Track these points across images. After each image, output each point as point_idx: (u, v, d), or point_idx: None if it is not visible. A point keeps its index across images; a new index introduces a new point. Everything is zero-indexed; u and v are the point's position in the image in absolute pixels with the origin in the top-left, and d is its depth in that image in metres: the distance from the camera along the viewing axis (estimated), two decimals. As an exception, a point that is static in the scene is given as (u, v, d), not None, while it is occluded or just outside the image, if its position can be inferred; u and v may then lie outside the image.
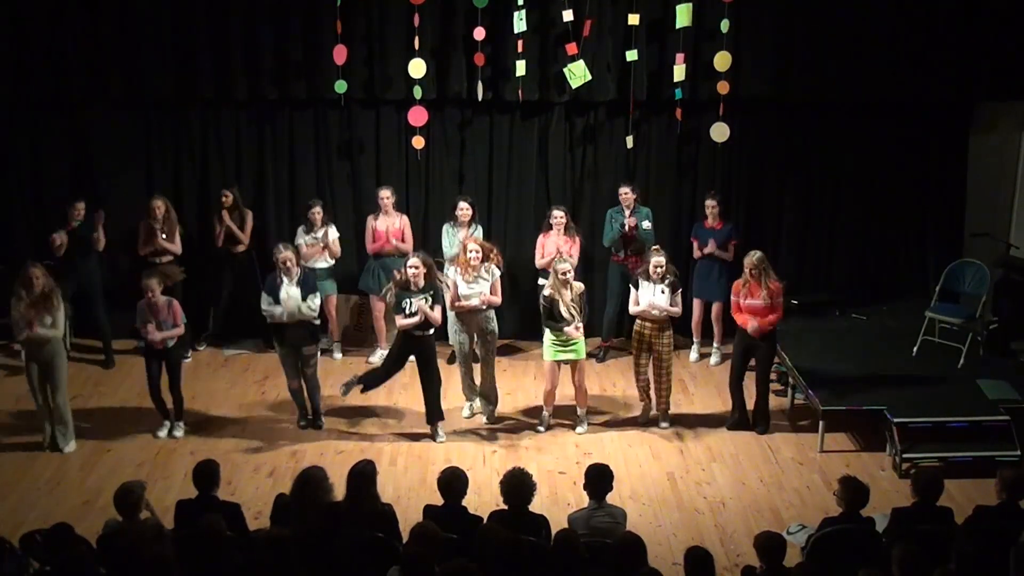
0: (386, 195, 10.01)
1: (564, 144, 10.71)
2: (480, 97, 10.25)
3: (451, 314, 9.12)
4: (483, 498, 7.55)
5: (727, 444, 8.81)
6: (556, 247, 9.71)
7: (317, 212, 10.00)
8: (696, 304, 10.35)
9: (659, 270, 8.65)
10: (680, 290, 8.85)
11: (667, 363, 8.87)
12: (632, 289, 8.89)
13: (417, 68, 10.03)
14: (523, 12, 9.95)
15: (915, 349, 9.63)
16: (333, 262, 10.15)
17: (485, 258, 8.84)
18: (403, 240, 10.03)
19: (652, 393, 9.07)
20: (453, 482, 6.19)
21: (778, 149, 10.87)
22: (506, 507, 6.14)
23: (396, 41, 10.13)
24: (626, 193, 10.04)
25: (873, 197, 10.96)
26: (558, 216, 9.90)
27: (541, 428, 9.02)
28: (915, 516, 6.19)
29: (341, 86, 10.14)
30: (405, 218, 10.17)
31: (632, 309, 8.90)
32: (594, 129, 10.70)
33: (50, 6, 9.92)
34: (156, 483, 7.84)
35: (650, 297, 8.70)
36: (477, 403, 9.20)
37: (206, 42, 10.10)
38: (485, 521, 6.02)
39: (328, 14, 9.94)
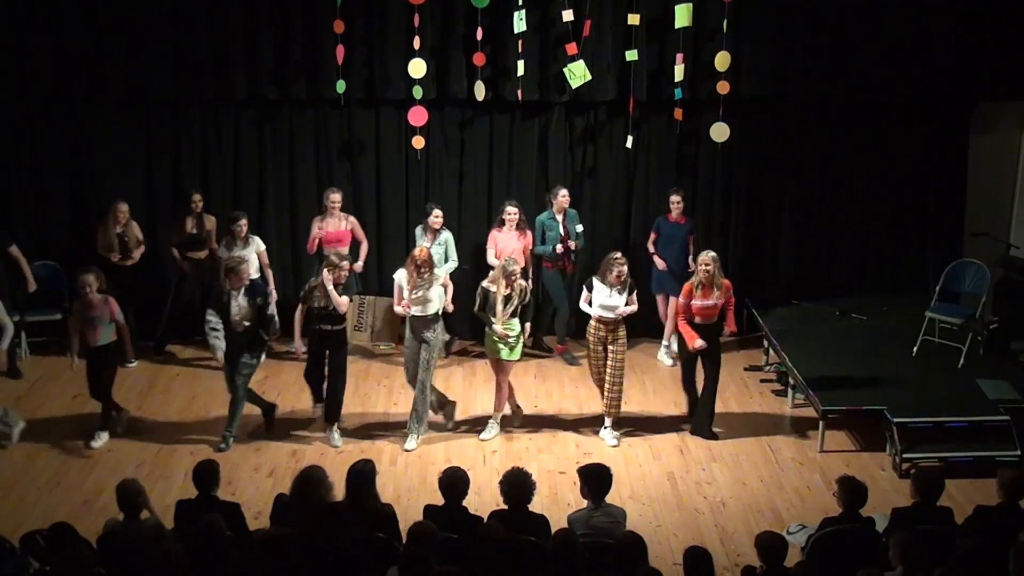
0: (336, 199, 9.98)
1: (564, 144, 10.71)
2: (480, 97, 10.25)
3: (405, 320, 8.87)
4: (483, 498, 7.55)
5: (727, 444, 8.80)
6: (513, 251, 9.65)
7: (243, 225, 9.80)
8: (659, 299, 10.31)
9: (620, 278, 8.55)
10: (636, 291, 8.73)
11: (620, 363, 8.68)
12: (584, 289, 8.76)
13: (417, 68, 10.02)
14: (523, 12, 9.95)
15: (915, 349, 9.63)
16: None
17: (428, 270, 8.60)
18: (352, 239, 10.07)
19: (602, 387, 8.85)
20: (454, 482, 6.19)
21: (778, 149, 10.87)
22: (506, 507, 6.14)
23: (396, 41, 10.13)
24: (565, 196, 10.04)
25: (873, 197, 10.97)
26: (511, 212, 9.89)
27: (484, 436, 8.85)
28: (915, 516, 6.18)
29: (341, 86, 10.14)
30: (353, 218, 10.13)
31: (584, 308, 8.76)
32: (594, 129, 10.70)
33: (50, 6, 9.92)
34: (156, 483, 7.83)
35: (604, 299, 8.60)
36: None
37: (206, 42, 10.10)
38: (485, 521, 6.02)
39: (328, 14, 9.94)
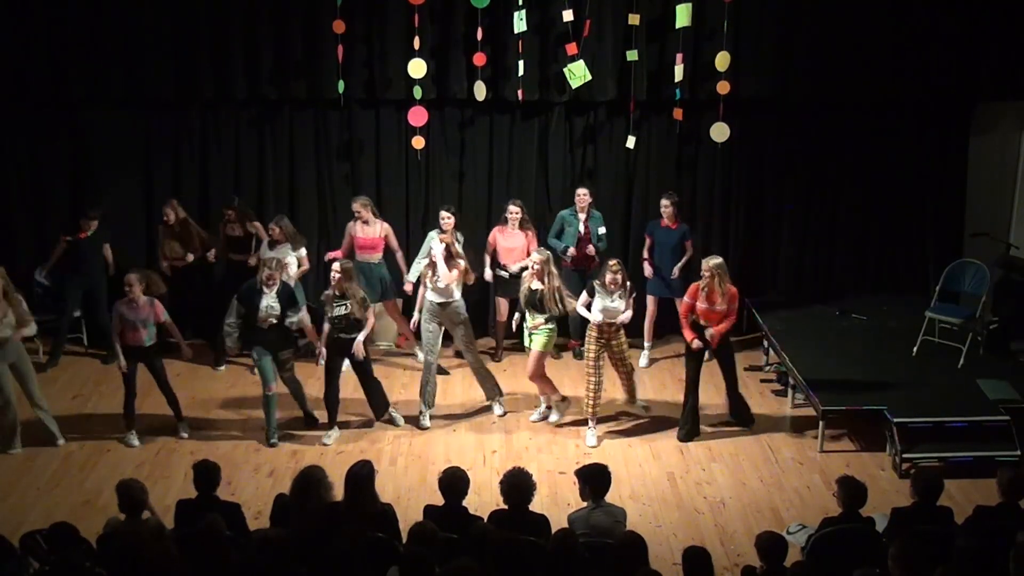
0: (356, 207, 9.92)
1: (564, 144, 10.71)
2: (480, 97, 10.25)
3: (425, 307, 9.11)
4: (483, 498, 7.55)
5: (727, 444, 8.81)
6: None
7: (274, 230, 9.81)
8: (650, 301, 10.29)
9: (614, 286, 8.58)
10: (634, 295, 8.78)
11: (626, 354, 8.83)
12: (586, 294, 8.78)
13: (417, 68, 10.03)
14: (523, 12, 9.96)
15: (915, 349, 9.63)
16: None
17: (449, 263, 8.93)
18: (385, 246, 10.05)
19: (620, 383, 9.01)
20: (454, 482, 6.19)
21: (778, 149, 10.87)
22: (506, 507, 6.14)
23: (396, 41, 10.13)
24: (583, 195, 10.05)
25: (873, 197, 10.97)
26: (514, 211, 9.91)
27: (532, 416, 9.13)
28: (915, 516, 6.18)
29: (341, 86, 10.14)
30: (386, 225, 10.10)
31: (584, 313, 8.77)
32: (594, 129, 10.71)
33: (50, 6, 9.92)
34: (156, 483, 7.83)
35: (605, 303, 8.60)
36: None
37: (206, 42, 10.10)
38: (485, 521, 6.02)
39: (328, 14, 9.94)
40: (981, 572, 5.34)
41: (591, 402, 8.75)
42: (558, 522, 6.39)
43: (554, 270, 8.75)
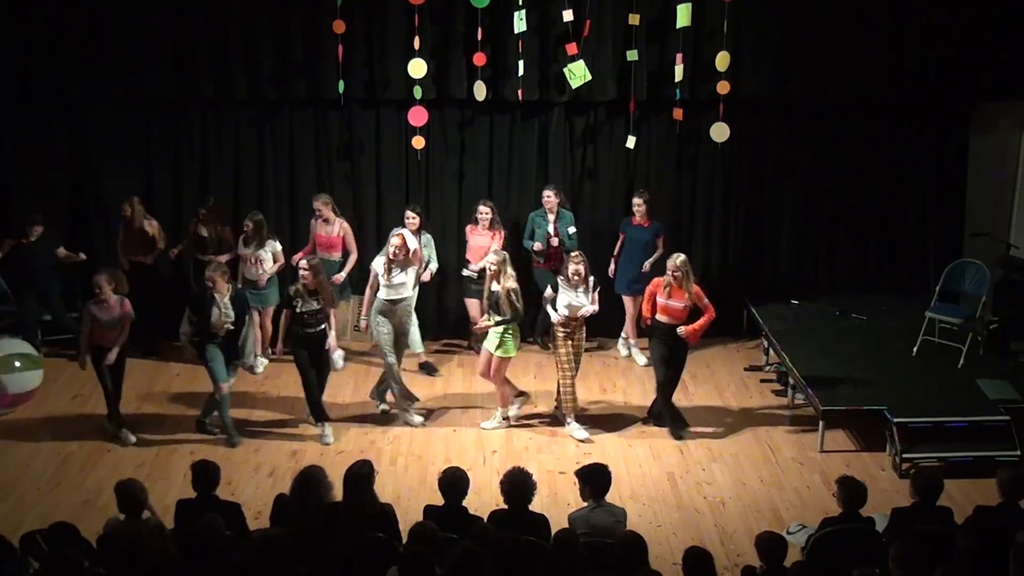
0: (317, 205, 9.97)
1: (564, 144, 10.71)
2: (480, 97, 10.25)
3: (375, 307, 9.09)
4: (483, 498, 7.54)
5: (727, 444, 8.81)
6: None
7: (247, 226, 9.77)
8: (627, 301, 10.27)
9: (576, 279, 8.61)
10: (599, 288, 8.79)
11: (579, 359, 8.86)
12: (549, 289, 8.84)
13: (417, 68, 10.02)
14: (523, 12, 9.95)
15: (915, 349, 9.63)
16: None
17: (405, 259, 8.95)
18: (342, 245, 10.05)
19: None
20: (454, 482, 6.19)
21: (778, 149, 10.87)
22: (506, 507, 6.14)
23: (396, 41, 10.13)
24: (549, 197, 10.05)
25: (873, 197, 10.97)
26: (484, 212, 9.93)
27: (484, 424, 9.07)
28: (915, 516, 6.18)
29: (341, 86, 10.14)
30: (345, 224, 10.11)
31: (553, 316, 8.78)
32: (594, 129, 10.71)
33: (50, 6, 9.92)
34: (156, 483, 7.83)
35: (569, 299, 8.64)
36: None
37: (206, 42, 10.10)
38: (485, 521, 6.02)
39: (328, 14, 9.94)
40: (981, 572, 5.33)
41: (570, 398, 8.81)
42: (558, 522, 6.38)
43: (510, 271, 8.71)
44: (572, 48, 10.06)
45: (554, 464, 8.44)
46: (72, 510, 7.51)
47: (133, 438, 8.67)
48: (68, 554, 5.29)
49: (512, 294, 8.61)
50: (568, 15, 9.96)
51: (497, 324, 8.65)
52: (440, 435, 8.93)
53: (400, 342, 9.14)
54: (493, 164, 10.77)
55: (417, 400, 9.29)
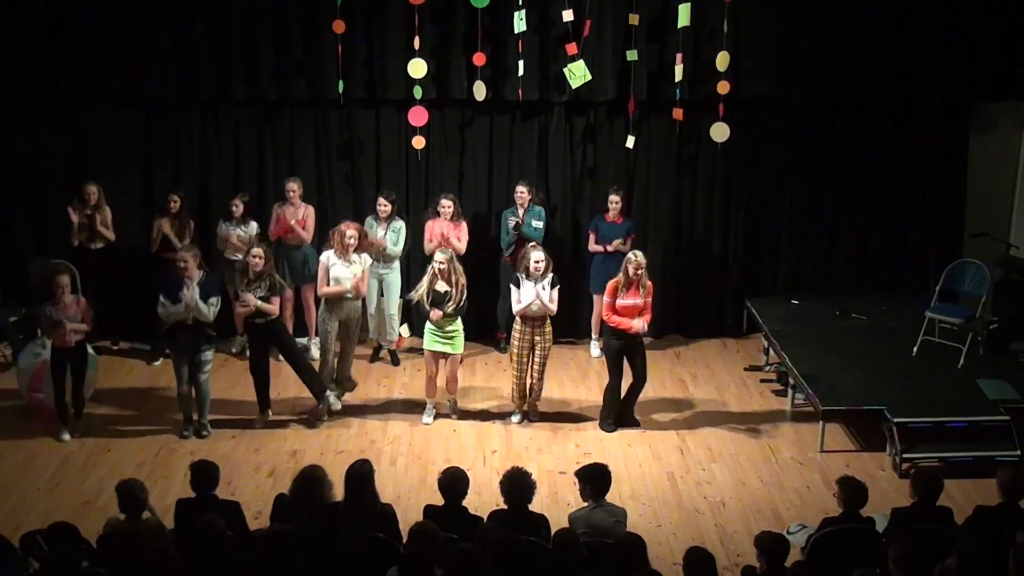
0: (293, 187, 10.02)
1: (564, 144, 10.71)
2: (480, 97, 10.25)
3: (322, 301, 9.16)
4: (483, 498, 7.55)
5: (727, 444, 8.81)
6: (442, 234, 9.81)
7: (237, 206, 9.92)
8: (596, 300, 10.23)
9: (538, 265, 8.62)
10: (558, 287, 8.81)
11: (545, 357, 8.89)
12: (513, 288, 8.80)
13: (417, 68, 10.02)
14: (523, 12, 9.95)
15: (915, 349, 9.63)
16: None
17: (360, 247, 9.01)
18: (304, 228, 10.07)
19: (527, 388, 9.03)
20: (454, 482, 6.19)
21: (778, 149, 10.87)
22: (506, 507, 6.14)
23: (396, 41, 10.13)
24: (522, 192, 10.08)
25: (873, 197, 10.97)
26: (446, 204, 9.92)
27: (427, 420, 9.10)
28: (915, 516, 6.18)
29: (341, 86, 10.14)
30: (311, 208, 10.17)
31: (515, 308, 8.78)
32: (594, 129, 10.71)
33: (50, 6, 9.92)
34: (156, 483, 7.82)
35: (532, 295, 8.64)
36: (332, 396, 9.09)
37: (206, 42, 10.10)
38: (485, 521, 6.02)
39: (328, 14, 9.94)
40: (981, 572, 5.33)
41: (515, 394, 9.01)
42: (558, 522, 6.39)
43: (458, 267, 8.81)
44: (572, 48, 10.06)
45: (554, 464, 8.44)
46: (72, 510, 7.51)
47: (67, 436, 8.66)
48: (68, 554, 5.30)
49: (465, 289, 8.76)
50: (568, 15, 9.96)
51: (452, 313, 8.69)
52: (440, 435, 8.94)
53: (350, 332, 9.18)
54: (493, 164, 10.77)
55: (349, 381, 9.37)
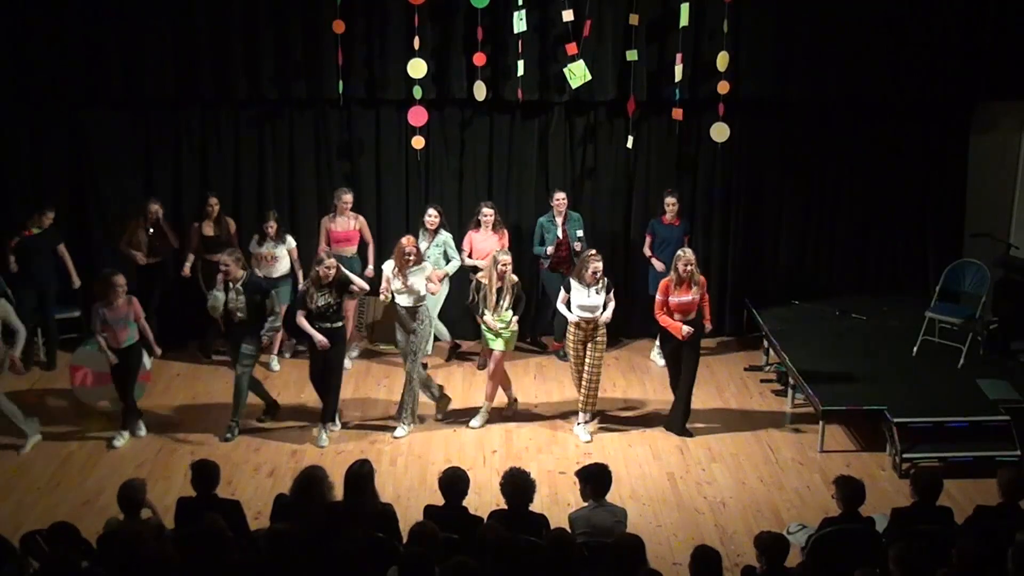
0: (348, 199, 10.00)
1: (564, 144, 10.71)
2: (480, 97, 10.25)
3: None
4: (483, 498, 7.55)
5: (727, 444, 8.81)
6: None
7: (271, 226, 9.82)
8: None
9: (596, 276, 8.60)
10: (612, 291, 8.77)
11: (598, 362, 8.77)
12: (563, 291, 8.79)
13: (417, 68, 10.02)
14: (523, 12, 9.95)
15: (915, 349, 9.63)
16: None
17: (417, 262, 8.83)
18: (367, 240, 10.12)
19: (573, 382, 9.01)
20: (454, 482, 6.19)
21: (778, 149, 10.87)
22: (506, 507, 6.15)
23: (396, 41, 10.13)
24: (560, 199, 10.05)
25: (873, 197, 10.97)
26: (487, 214, 9.90)
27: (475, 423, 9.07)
28: (915, 516, 6.18)
29: (341, 86, 10.13)
30: (362, 218, 10.14)
31: (562, 309, 8.75)
32: (594, 129, 10.71)
33: (50, 6, 9.91)
34: (156, 483, 7.82)
35: (583, 300, 8.62)
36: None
37: (206, 42, 10.09)
38: (485, 521, 6.02)
39: (328, 14, 9.94)
40: (981, 572, 5.33)
41: (583, 398, 8.82)
42: (558, 522, 6.39)
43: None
44: (572, 48, 10.06)
45: (554, 464, 8.44)
46: (72, 510, 7.51)
47: (120, 443, 8.65)
48: (68, 554, 5.30)
49: (516, 288, 8.78)
50: (568, 15, 9.96)
51: (512, 318, 8.75)
52: (440, 435, 8.94)
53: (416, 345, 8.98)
54: (493, 164, 10.77)
55: (445, 397, 9.27)
